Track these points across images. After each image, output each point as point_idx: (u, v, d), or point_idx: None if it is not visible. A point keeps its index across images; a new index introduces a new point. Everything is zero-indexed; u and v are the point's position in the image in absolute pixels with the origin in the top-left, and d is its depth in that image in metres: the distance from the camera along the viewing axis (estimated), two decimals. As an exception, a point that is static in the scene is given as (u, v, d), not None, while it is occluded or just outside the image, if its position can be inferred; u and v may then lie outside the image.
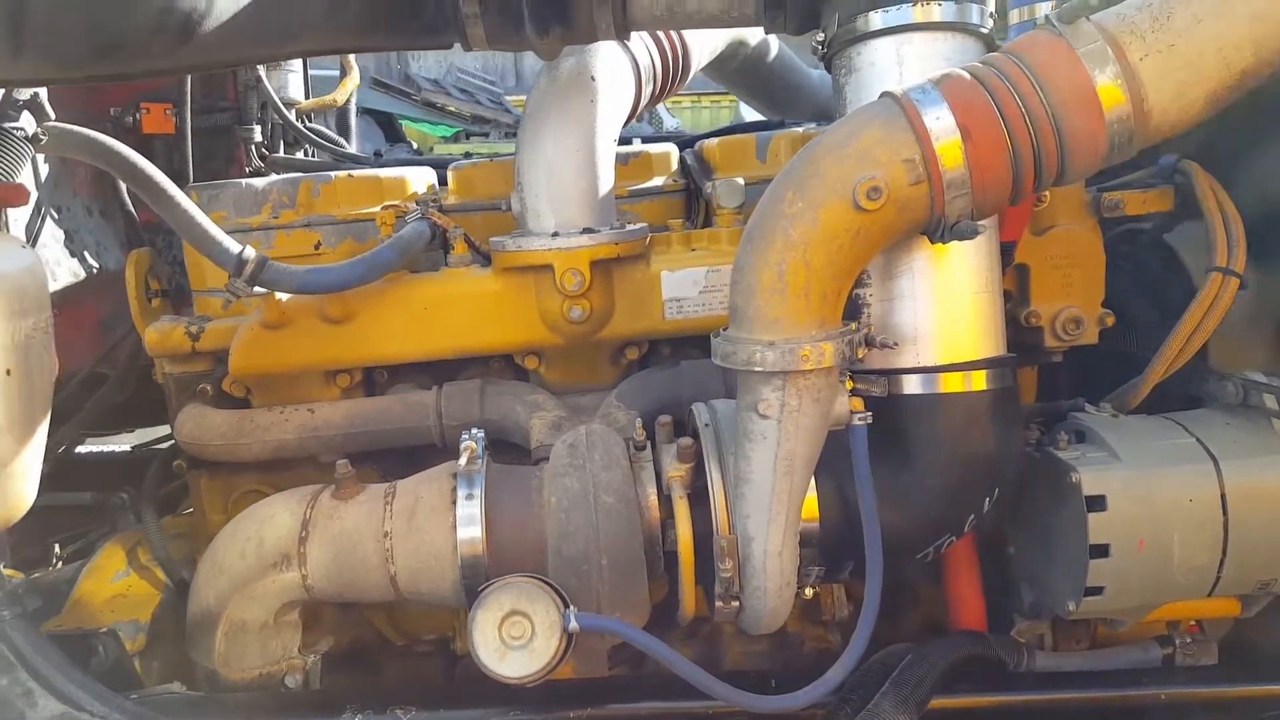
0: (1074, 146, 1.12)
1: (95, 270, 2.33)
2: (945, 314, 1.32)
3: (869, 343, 1.26)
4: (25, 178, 2.19)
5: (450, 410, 1.66)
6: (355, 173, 1.91)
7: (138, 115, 2.46)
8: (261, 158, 2.63)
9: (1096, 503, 1.33)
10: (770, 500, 1.23)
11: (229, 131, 2.65)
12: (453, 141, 8.73)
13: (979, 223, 1.28)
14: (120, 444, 2.87)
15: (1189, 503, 1.33)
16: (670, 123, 10.03)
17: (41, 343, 1.23)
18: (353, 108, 3.13)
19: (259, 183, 1.89)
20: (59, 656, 1.26)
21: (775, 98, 2.65)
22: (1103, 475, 1.34)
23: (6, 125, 1.37)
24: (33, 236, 2.20)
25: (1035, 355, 1.74)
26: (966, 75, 1.14)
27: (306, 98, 2.88)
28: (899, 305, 1.33)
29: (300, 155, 2.81)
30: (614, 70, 1.68)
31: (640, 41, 1.78)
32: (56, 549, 2.51)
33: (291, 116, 2.74)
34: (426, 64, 12.41)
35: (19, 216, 2.17)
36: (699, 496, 1.32)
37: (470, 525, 1.30)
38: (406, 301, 1.66)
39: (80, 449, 2.74)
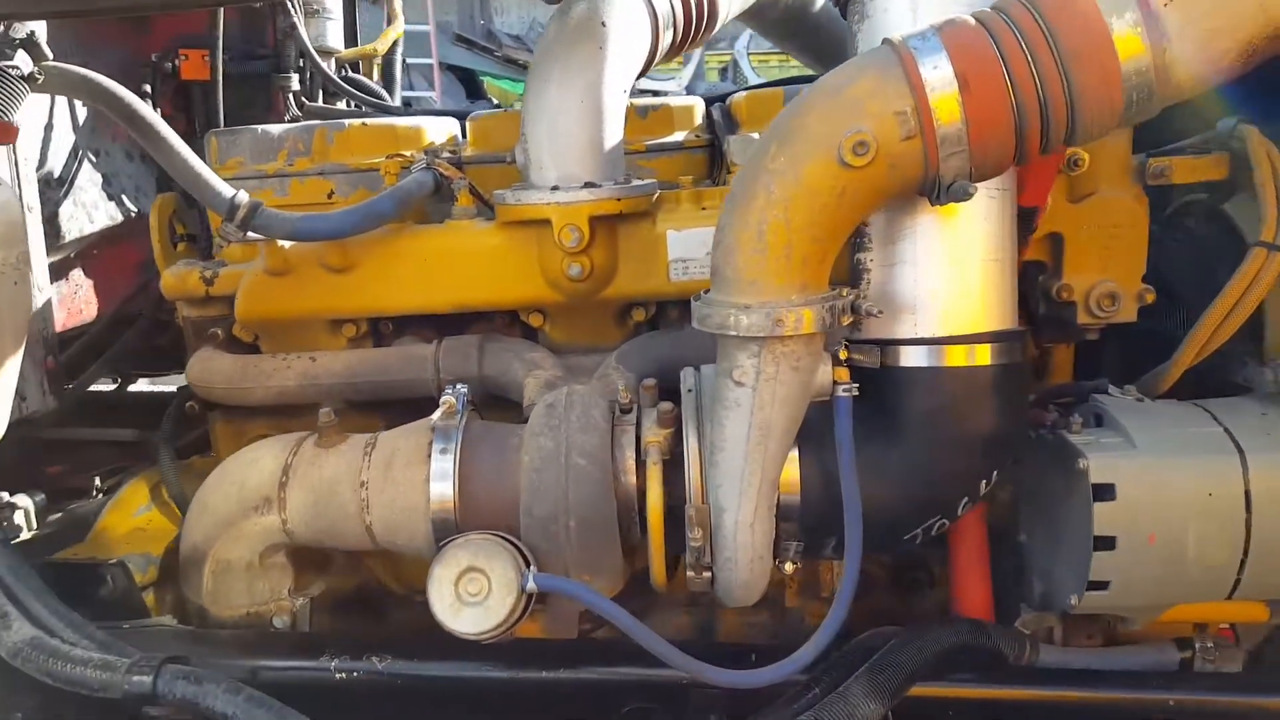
0: (1085, 102, 1.02)
1: (133, 214, 2.37)
2: (949, 282, 1.23)
3: (855, 310, 1.18)
4: (62, 122, 2.26)
5: (448, 365, 1.64)
6: (370, 121, 1.89)
7: (176, 61, 2.48)
8: (299, 105, 2.64)
9: (1105, 491, 1.24)
10: (743, 470, 1.18)
11: (268, 79, 2.66)
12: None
13: (997, 181, 1.20)
14: (172, 384, 2.96)
15: (1208, 497, 1.23)
16: (755, 80, 9.82)
17: (13, 277, 1.24)
18: (398, 58, 3.11)
19: (275, 129, 1.88)
20: (36, 582, 1.29)
21: (821, 50, 2.53)
22: (1113, 462, 1.25)
23: (1, 64, 1.37)
24: (69, 179, 2.25)
25: (1068, 332, 1.64)
26: (973, 21, 1.05)
27: (347, 46, 2.87)
28: (899, 271, 1.25)
29: (341, 105, 2.82)
30: (627, 16, 1.60)
31: (658, -16, 1.70)
32: (97, 482, 2.61)
33: (330, 66, 2.74)
34: (509, 20, 12.37)
35: (56, 161, 2.22)
36: (677, 463, 1.27)
37: (442, 480, 1.28)
38: (408, 253, 1.63)
39: (133, 388, 2.84)
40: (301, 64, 2.73)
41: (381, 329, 1.76)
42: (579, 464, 1.23)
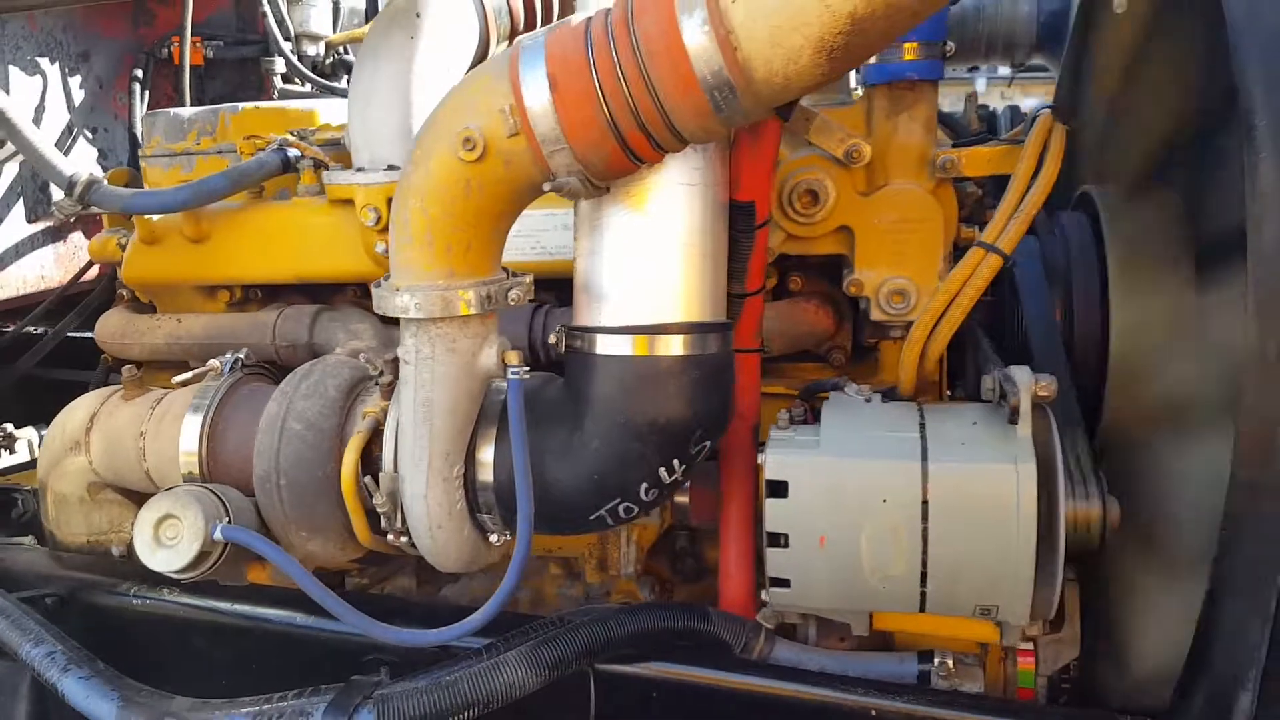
0: (671, 102, 1.02)
1: (129, 189, 2.64)
2: (639, 273, 1.25)
3: (524, 296, 1.23)
4: (56, 100, 2.54)
5: (283, 331, 1.78)
6: (264, 104, 2.05)
7: (170, 47, 2.73)
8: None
9: (778, 488, 1.23)
10: (413, 445, 1.25)
11: (258, 63, 2.89)
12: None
13: (689, 175, 1.22)
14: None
15: (882, 503, 1.20)
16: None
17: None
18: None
19: (186, 112, 2.07)
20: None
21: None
22: (789, 460, 1.24)
23: None
24: (63, 154, 2.52)
25: (877, 329, 1.60)
26: (579, 22, 1.07)
27: (334, 31, 3.06)
28: (595, 261, 1.27)
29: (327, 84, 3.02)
30: (447, 7, 1.68)
31: (493, -23, 1.76)
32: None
33: (319, 49, 2.93)
34: None
35: (50, 136, 2.51)
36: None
37: (190, 437, 1.42)
38: (252, 226, 1.79)
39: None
40: (289, 48, 2.94)
41: (251, 295, 1.93)
42: (294, 428, 1.34)
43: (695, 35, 0.98)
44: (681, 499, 1.65)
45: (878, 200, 1.51)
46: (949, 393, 1.67)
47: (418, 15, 1.64)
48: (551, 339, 1.31)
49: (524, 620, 1.40)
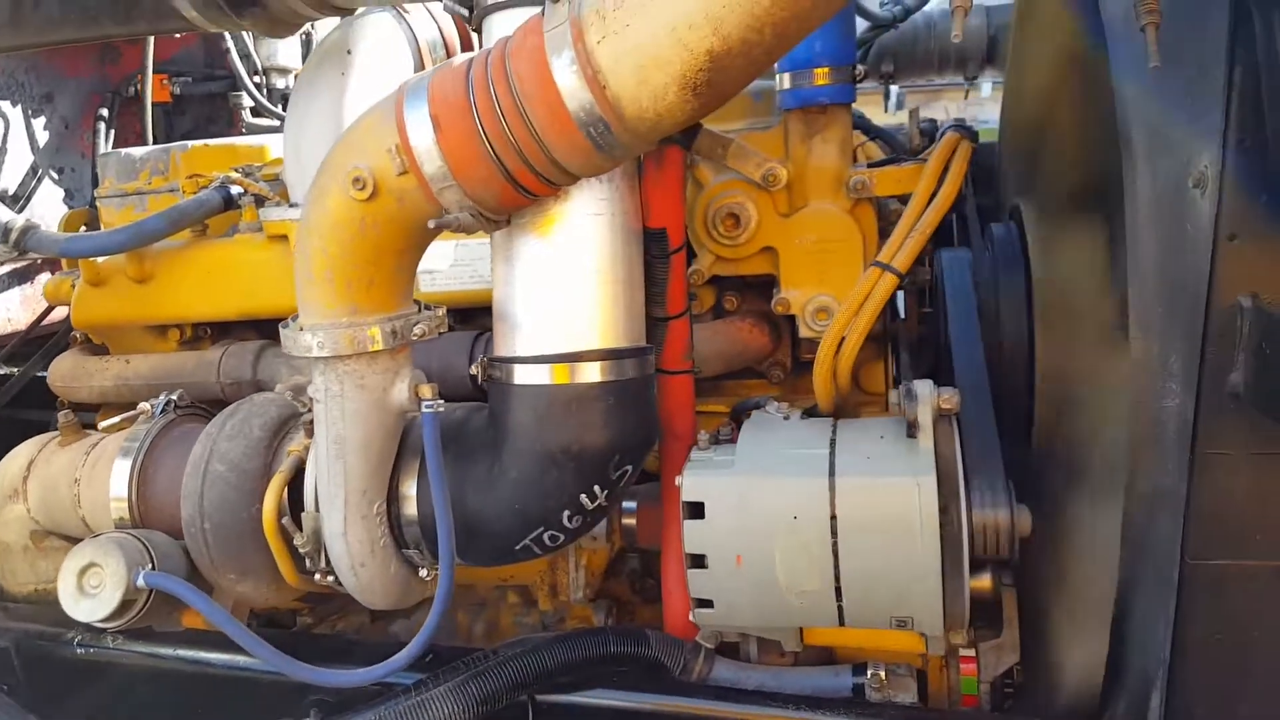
0: (550, 140, 1.04)
1: (95, 227, 2.68)
2: (551, 303, 1.27)
3: (434, 330, 1.24)
4: (18, 142, 2.58)
5: (228, 369, 1.80)
6: (214, 142, 2.08)
7: (136, 85, 2.76)
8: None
9: (695, 509, 1.24)
10: (329, 483, 1.27)
11: (226, 98, 2.92)
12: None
13: (595, 205, 1.24)
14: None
15: (793, 520, 1.21)
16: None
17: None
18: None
19: (138, 152, 2.10)
20: None
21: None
22: (705, 481, 1.25)
23: None
24: (27, 195, 2.57)
25: (811, 345, 1.61)
26: (461, 62, 1.09)
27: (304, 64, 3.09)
28: (509, 291, 1.29)
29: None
30: (378, 43, 1.70)
31: (425, 14, 1.78)
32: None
33: (290, 82, 2.97)
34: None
35: (11, 179, 2.55)
36: (314, 471, 1.37)
37: (119, 482, 1.44)
38: (195, 265, 1.81)
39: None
40: (260, 82, 2.98)
41: (200, 334, 1.95)
42: (217, 470, 1.36)
43: (565, 76, 1.00)
44: (630, 521, 1.67)
45: (798, 221, 1.52)
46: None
47: (349, 51, 1.67)
48: (473, 370, 1.33)
49: (465, 654, 1.41)
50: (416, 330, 1.23)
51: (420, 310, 1.27)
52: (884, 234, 1.72)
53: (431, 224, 1.10)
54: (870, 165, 1.52)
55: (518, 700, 1.34)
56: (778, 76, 1.51)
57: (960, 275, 1.67)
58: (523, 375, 1.27)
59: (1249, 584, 1.12)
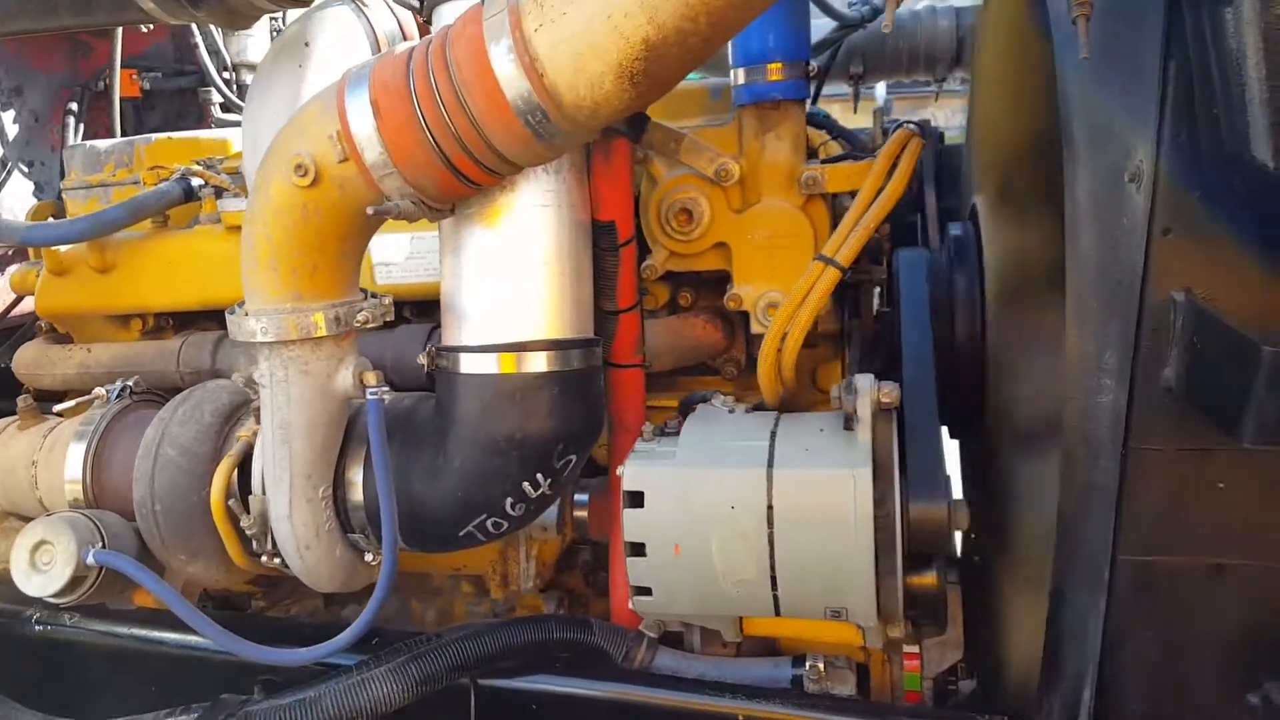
0: (489, 128, 1.05)
1: (62, 218, 2.68)
2: (497, 293, 1.28)
3: (378, 317, 1.25)
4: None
5: (187, 358, 1.81)
6: (176, 135, 2.08)
7: (105, 80, 2.76)
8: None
9: (635, 499, 1.26)
10: (274, 467, 1.28)
11: (195, 93, 2.93)
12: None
13: (543, 196, 1.25)
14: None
15: (730, 510, 1.22)
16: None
17: None
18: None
19: (103, 145, 2.11)
20: None
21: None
22: (646, 471, 1.26)
23: None
24: (-1, 187, 2.56)
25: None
26: (403, 50, 1.10)
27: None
28: (456, 282, 1.31)
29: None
30: (336, 36, 1.71)
31: (383, 7, 1.79)
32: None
33: (250, 78, 2.97)
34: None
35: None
36: (262, 455, 1.38)
37: (74, 465, 1.45)
38: (155, 255, 1.82)
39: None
40: (230, 78, 2.98)
41: (162, 323, 1.96)
42: (167, 454, 1.37)
43: (503, 63, 1.01)
44: (581, 514, 1.68)
45: (750, 217, 1.54)
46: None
47: (306, 44, 1.67)
48: (420, 359, 1.34)
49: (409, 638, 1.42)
50: (360, 317, 1.24)
51: (366, 298, 1.27)
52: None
53: (370, 210, 1.11)
54: (823, 161, 1.53)
55: (460, 684, 1.36)
56: (733, 72, 1.52)
57: (915, 274, 1.68)
58: (469, 364, 1.29)
59: (1179, 581, 1.13)
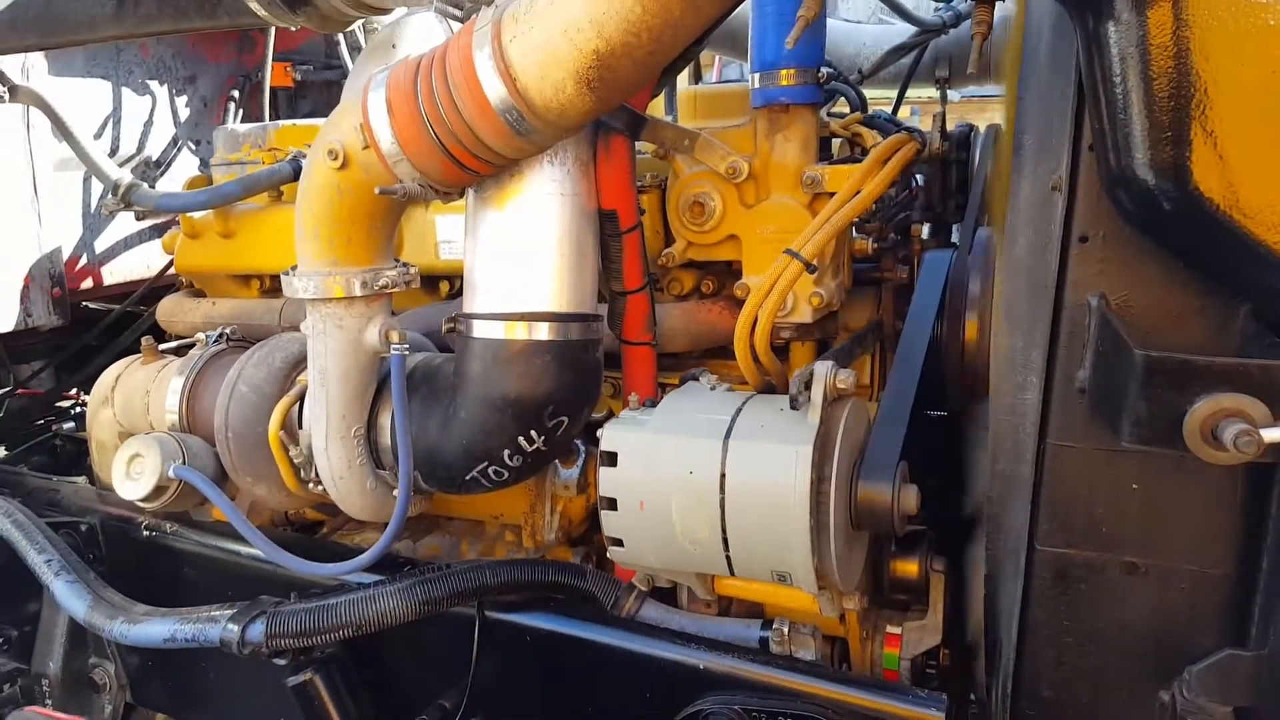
0: (477, 125, 1.23)
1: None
2: (505, 269, 1.46)
3: (401, 283, 1.46)
4: (163, 116, 2.99)
5: (287, 314, 2.10)
6: (301, 121, 2.38)
7: (261, 73, 3.14)
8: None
9: (610, 458, 1.40)
10: (313, 406, 1.51)
11: (341, 85, 3.27)
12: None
13: (558, 185, 1.43)
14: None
15: (689, 474, 1.35)
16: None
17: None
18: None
19: (242, 128, 2.44)
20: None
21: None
22: (620, 434, 1.40)
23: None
24: (168, 161, 2.99)
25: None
26: (418, 57, 1.29)
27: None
28: (473, 259, 1.50)
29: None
30: (419, 40, 1.94)
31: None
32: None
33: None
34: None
35: (156, 147, 2.97)
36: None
37: (173, 396, 1.74)
38: (267, 224, 2.12)
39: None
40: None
41: (276, 284, 2.26)
42: (241, 390, 1.63)
43: (485, 68, 1.18)
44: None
45: (760, 212, 1.65)
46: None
47: (394, 46, 1.91)
48: (443, 326, 1.54)
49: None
50: (381, 282, 1.45)
51: (395, 266, 1.48)
52: (857, 228, 1.83)
53: (378, 189, 1.31)
54: (830, 163, 1.62)
55: (468, 615, 1.55)
56: (750, 77, 1.64)
57: (934, 274, 1.74)
58: (478, 330, 1.47)
59: (1092, 574, 1.17)
